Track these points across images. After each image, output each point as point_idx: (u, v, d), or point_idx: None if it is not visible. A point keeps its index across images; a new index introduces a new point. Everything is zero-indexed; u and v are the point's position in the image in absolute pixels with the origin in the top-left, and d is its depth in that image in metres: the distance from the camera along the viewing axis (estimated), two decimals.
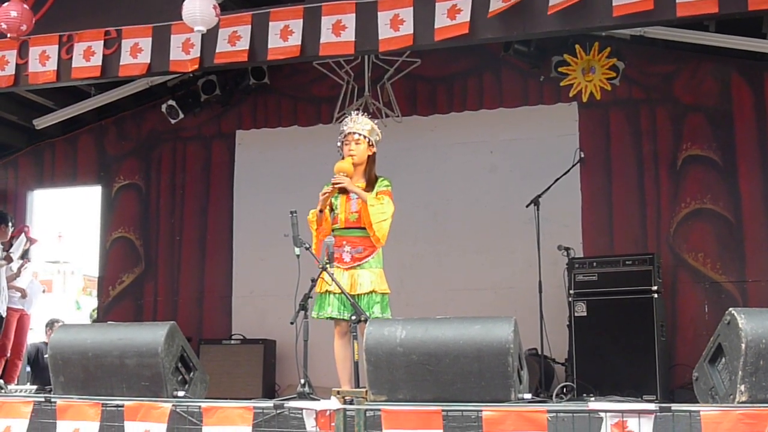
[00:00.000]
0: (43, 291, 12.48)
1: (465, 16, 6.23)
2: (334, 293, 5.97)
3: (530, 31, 6.40)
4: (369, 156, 6.27)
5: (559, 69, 8.90)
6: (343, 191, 6.16)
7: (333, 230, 6.16)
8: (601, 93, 8.83)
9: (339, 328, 6.07)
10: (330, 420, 4.67)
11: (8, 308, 9.28)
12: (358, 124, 6.26)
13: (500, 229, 9.20)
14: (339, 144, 6.34)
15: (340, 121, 9.57)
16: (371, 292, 6.01)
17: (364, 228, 6.07)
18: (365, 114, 6.46)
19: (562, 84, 8.95)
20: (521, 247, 8.66)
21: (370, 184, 6.19)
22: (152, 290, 10.47)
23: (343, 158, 6.25)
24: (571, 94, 8.94)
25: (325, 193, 6.10)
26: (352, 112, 6.50)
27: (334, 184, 6.11)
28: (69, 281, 27.51)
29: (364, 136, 6.22)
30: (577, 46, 8.80)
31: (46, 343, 10.14)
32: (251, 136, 10.39)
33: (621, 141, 9.12)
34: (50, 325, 10.28)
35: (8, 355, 9.50)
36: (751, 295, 8.43)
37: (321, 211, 6.11)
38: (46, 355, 9.67)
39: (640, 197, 8.99)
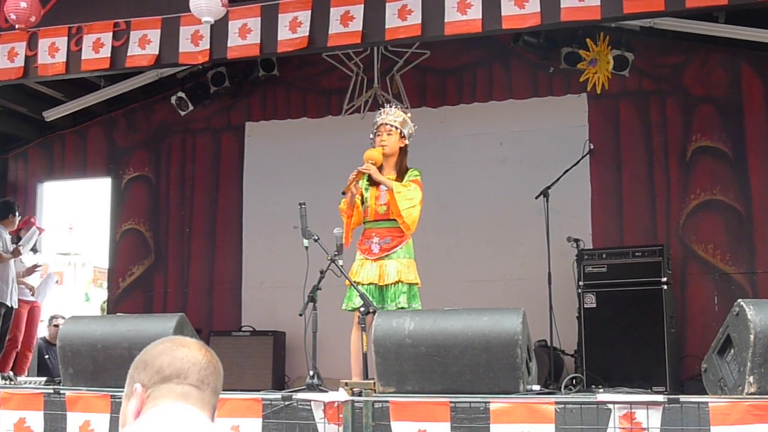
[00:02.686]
0: (57, 281, 12.48)
1: (476, 13, 6.22)
2: (362, 284, 6.00)
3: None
4: (401, 148, 6.31)
5: (578, 65, 8.83)
6: (373, 182, 6.20)
7: (364, 222, 6.22)
8: (610, 84, 8.78)
9: (357, 318, 6.08)
10: (338, 411, 4.68)
11: (19, 300, 9.29)
12: (391, 115, 6.32)
13: (509, 221, 9.19)
14: (372, 135, 6.38)
15: (350, 113, 9.71)
16: (397, 282, 6.02)
17: (393, 219, 6.10)
18: (398, 106, 6.50)
19: (581, 80, 8.88)
20: (530, 238, 8.63)
21: (401, 176, 6.24)
22: (162, 282, 10.50)
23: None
24: (588, 88, 8.90)
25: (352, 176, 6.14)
26: (386, 104, 6.58)
27: (360, 170, 6.14)
28: (80, 273, 27.59)
29: (396, 128, 6.27)
30: (587, 40, 8.76)
31: (44, 338, 10.15)
32: (261, 128, 10.39)
33: (631, 132, 9.10)
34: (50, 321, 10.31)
35: (19, 347, 9.53)
36: (761, 286, 8.41)
37: (344, 193, 6.14)
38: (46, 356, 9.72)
39: (649, 189, 8.97)
